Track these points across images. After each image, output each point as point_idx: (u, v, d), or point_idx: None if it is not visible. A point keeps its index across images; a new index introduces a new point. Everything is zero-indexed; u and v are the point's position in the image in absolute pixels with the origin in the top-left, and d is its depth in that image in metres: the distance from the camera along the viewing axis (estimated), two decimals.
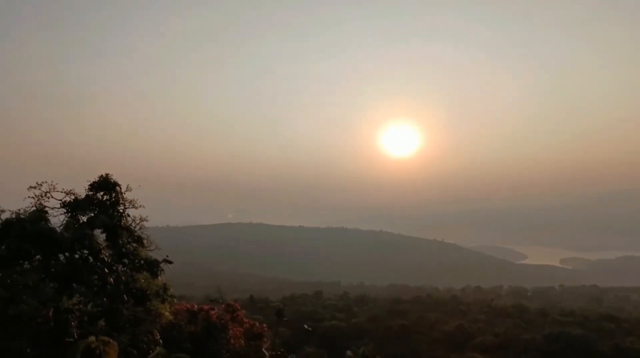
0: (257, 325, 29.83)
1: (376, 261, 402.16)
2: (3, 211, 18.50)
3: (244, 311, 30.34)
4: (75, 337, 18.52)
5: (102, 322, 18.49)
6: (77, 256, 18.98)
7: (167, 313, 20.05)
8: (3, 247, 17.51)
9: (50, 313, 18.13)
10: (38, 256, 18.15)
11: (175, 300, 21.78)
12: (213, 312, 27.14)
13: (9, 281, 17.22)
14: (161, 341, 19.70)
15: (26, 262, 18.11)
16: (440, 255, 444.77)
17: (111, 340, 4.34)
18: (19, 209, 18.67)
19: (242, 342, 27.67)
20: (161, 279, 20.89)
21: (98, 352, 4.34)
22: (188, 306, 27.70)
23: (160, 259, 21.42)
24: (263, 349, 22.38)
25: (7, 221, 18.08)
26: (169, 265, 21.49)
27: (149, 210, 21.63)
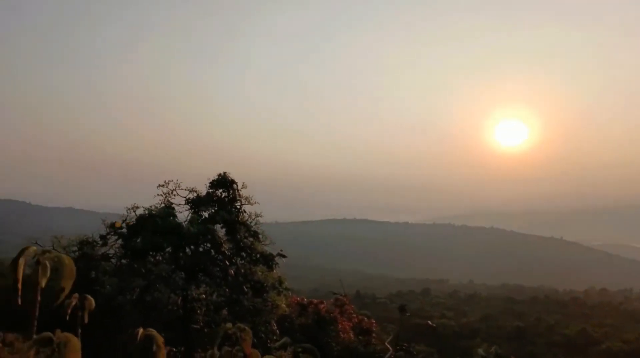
0: (366, 320, 30.08)
1: (486, 259, 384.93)
2: (137, 207, 20.61)
3: (353, 306, 30.76)
4: (201, 324, 20.11)
5: (224, 311, 19.85)
6: (201, 249, 20.57)
7: (283, 305, 21.02)
8: (138, 240, 19.45)
9: (179, 301, 19.87)
10: (168, 249, 19.91)
11: (290, 292, 22.70)
12: (322, 306, 27.84)
13: (143, 271, 19.14)
14: (278, 331, 20.68)
15: (158, 254, 20.01)
16: (559, 254, 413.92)
17: (247, 328, 4.60)
18: (151, 206, 20.66)
19: (351, 335, 28.07)
20: (276, 272, 21.91)
21: (235, 337, 4.60)
22: (298, 299, 28.68)
23: (274, 253, 22.47)
24: (386, 343, 22.49)
25: (141, 217, 20.06)
26: (283, 258, 22.45)
27: (258, 207, 22.78)
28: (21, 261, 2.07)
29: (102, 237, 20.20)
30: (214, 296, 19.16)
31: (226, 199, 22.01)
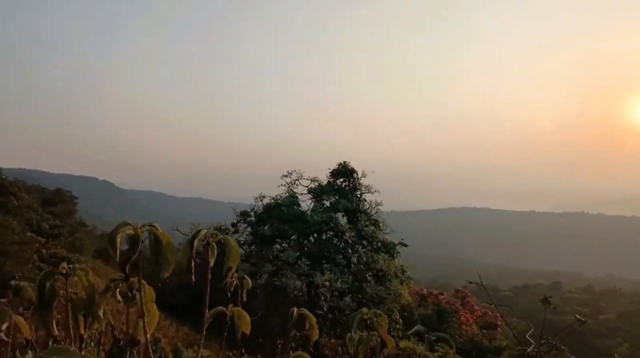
0: (490, 313, 28.82)
1: (628, 252, 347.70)
2: (264, 196, 21.82)
3: (474, 298, 29.65)
4: (325, 310, 20.77)
5: (347, 298, 20.31)
6: (324, 237, 21.21)
7: (406, 294, 20.95)
8: (266, 228, 20.57)
9: (304, 286, 20.71)
10: (293, 237, 20.80)
11: (412, 281, 22.52)
12: (442, 297, 27.18)
13: (271, 257, 20.25)
14: (401, 320, 20.67)
15: (284, 241, 21.02)
16: None
17: (382, 313, 4.58)
18: (276, 196, 21.75)
19: (475, 328, 27.08)
20: (397, 261, 21.87)
21: (369, 322, 4.60)
22: (417, 289, 28.33)
23: (395, 242, 22.42)
24: (527, 336, 21.40)
25: (268, 206, 21.19)
26: (404, 247, 22.33)
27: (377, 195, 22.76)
28: (195, 242, 2.25)
29: (234, 225, 21.67)
30: (339, 283, 19.65)
31: (347, 188, 22.39)
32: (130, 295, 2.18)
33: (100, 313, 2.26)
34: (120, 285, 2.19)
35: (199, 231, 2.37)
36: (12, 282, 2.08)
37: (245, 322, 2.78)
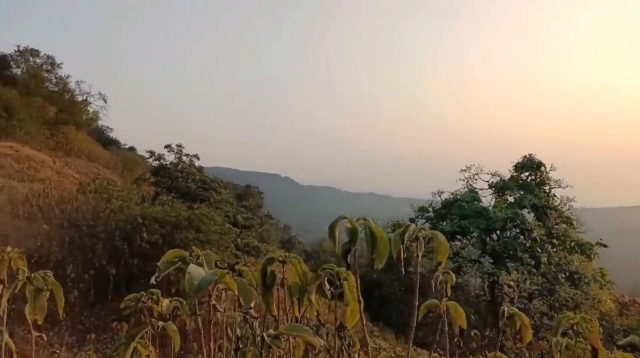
0: None
1: None
2: (442, 192, 21.32)
3: None
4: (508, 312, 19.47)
5: (536, 301, 18.77)
6: (508, 234, 19.93)
7: (608, 301, 18.62)
8: (445, 223, 20.07)
9: (487, 285, 19.74)
10: (475, 233, 19.97)
11: (613, 287, 19.95)
12: None
13: (452, 254, 19.68)
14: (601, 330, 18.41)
15: (465, 238, 20.27)
16: None
17: (593, 318, 4.05)
18: (455, 191, 21.08)
19: None
20: (595, 263, 19.55)
21: (576, 328, 4.12)
22: (617, 296, 24.94)
23: (592, 242, 20.06)
24: None
25: (447, 201, 20.64)
26: (603, 248, 19.86)
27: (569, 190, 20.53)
28: (405, 236, 2.22)
29: (412, 220, 21.58)
30: (527, 284, 18.28)
31: (533, 182, 20.71)
32: (339, 283, 2.27)
33: (312, 298, 2.40)
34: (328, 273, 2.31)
35: (409, 225, 2.37)
36: (236, 266, 2.27)
37: (461, 316, 2.71)
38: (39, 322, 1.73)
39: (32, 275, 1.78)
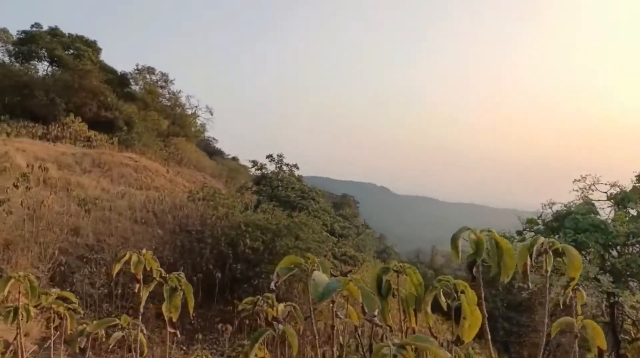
0: None
1: None
2: (554, 203, 19.89)
3: None
4: (633, 335, 17.64)
5: None
6: (630, 250, 18.12)
7: None
8: (557, 236, 18.68)
9: (605, 305, 18.02)
10: (591, 249, 18.39)
11: None
12: None
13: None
14: None
15: (581, 253, 18.71)
16: None
17: None
18: (569, 202, 19.57)
19: None
20: None
21: None
22: None
23: None
24: None
25: (559, 213, 19.22)
26: None
27: None
28: (534, 249, 2.07)
29: (519, 233, 20.38)
30: None
31: None
32: (456, 295, 2.18)
33: (428, 309, 2.32)
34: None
35: (536, 238, 2.22)
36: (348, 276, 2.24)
37: (599, 336, 2.48)
38: (174, 320, 1.83)
39: (168, 275, 1.88)
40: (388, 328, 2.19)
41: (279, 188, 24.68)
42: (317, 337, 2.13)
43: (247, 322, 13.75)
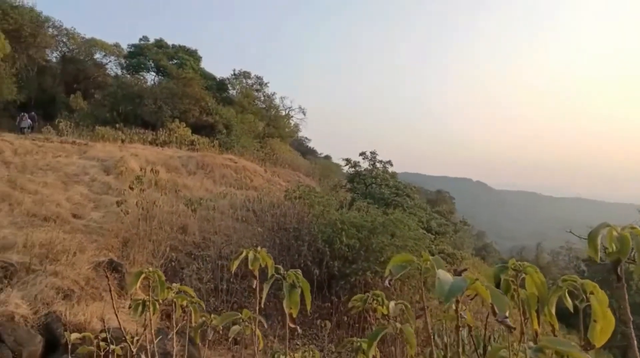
0: None
1: None
2: None
3: None
4: None
5: None
6: None
7: None
8: None
9: None
10: None
11: None
12: None
13: None
14: None
15: None
16: None
17: None
18: None
19: None
20: None
21: None
22: None
23: None
24: None
25: None
26: None
27: None
28: None
29: None
30: None
31: None
32: (585, 297, 1.98)
33: (552, 309, 2.16)
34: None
35: None
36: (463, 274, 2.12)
37: None
38: (294, 315, 1.85)
39: (286, 272, 1.91)
40: (509, 330, 2.06)
41: (373, 185, 24.58)
42: (432, 337, 2.05)
43: (345, 318, 13.87)
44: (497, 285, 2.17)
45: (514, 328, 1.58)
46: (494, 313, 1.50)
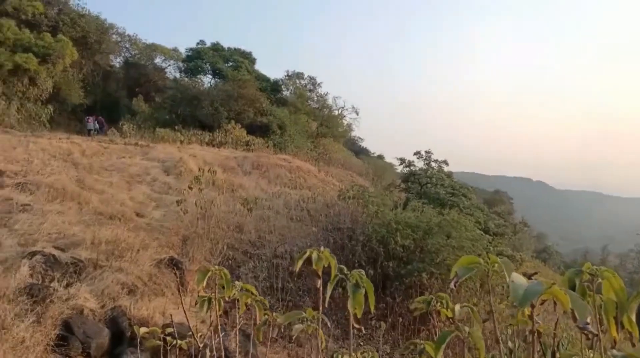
0: None
1: None
2: None
3: None
4: None
5: None
6: None
7: None
8: None
9: None
10: None
11: None
12: None
13: None
14: None
15: None
16: None
17: None
18: None
19: None
20: None
21: None
22: None
23: None
24: None
25: None
26: None
27: None
28: None
29: None
30: None
31: None
32: None
33: (632, 317, 2.02)
34: None
35: None
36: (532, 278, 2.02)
37: None
38: (358, 316, 1.83)
39: (350, 272, 1.90)
40: (592, 336, 1.95)
41: (427, 185, 24.18)
42: (500, 343, 1.98)
43: (400, 319, 13.70)
44: (572, 290, 2.06)
45: (597, 335, 1.50)
46: (574, 319, 1.43)
